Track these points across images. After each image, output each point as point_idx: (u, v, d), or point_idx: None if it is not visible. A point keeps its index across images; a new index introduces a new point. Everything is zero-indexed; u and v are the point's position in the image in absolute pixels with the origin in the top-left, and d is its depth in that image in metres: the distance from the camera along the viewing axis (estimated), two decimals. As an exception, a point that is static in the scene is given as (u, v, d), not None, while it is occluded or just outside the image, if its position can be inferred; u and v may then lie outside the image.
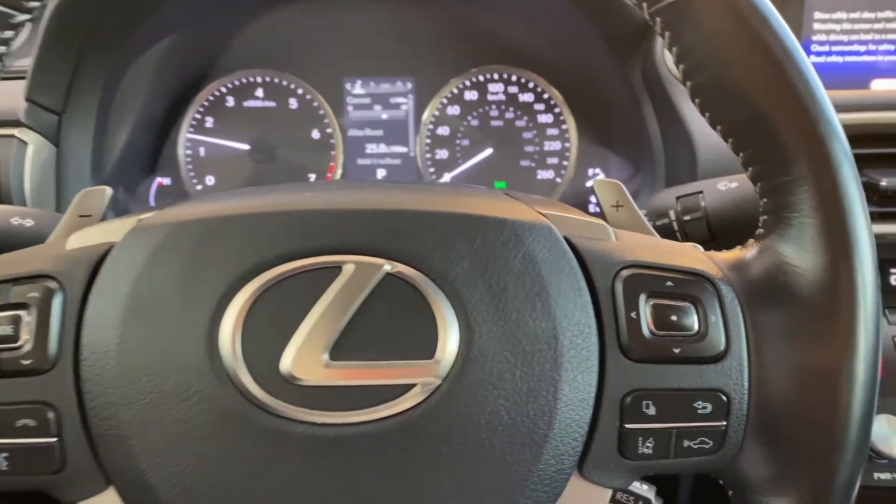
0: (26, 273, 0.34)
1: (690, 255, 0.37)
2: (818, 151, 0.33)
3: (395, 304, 0.33)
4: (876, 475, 0.61)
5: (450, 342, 0.33)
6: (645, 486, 0.47)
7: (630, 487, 0.46)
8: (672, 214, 0.55)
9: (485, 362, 0.33)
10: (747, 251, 0.37)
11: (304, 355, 0.32)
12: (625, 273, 0.35)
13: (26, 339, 0.33)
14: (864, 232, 0.33)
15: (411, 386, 0.32)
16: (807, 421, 0.34)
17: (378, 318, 0.33)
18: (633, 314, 0.34)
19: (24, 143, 0.65)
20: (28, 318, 0.33)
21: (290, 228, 0.33)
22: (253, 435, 0.32)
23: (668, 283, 0.35)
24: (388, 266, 0.33)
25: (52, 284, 0.34)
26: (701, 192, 0.54)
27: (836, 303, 0.33)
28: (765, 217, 0.36)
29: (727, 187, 0.53)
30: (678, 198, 0.55)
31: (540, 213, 0.36)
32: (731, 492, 0.38)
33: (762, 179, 0.35)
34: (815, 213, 0.33)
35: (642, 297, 0.35)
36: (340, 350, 0.32)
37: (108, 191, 0.41)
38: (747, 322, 0.35)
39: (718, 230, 0.53)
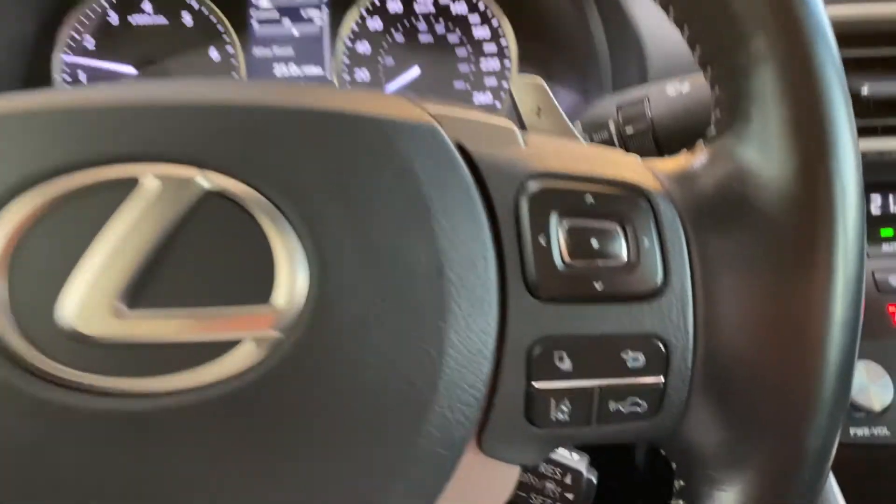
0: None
1: (619, 163, 0.32)
2: (785, 19, 0.28)
3: (216, 230, 0.27)
4: (852, 431, 0.55)
5: (293, 281, 0.26)
6: (576, 456, 0.39)
7: (557, 457, 0.38)
8: (612, 126, 0.47)
9: (343, 307, 0.27)
10: (694, 158, 0.32)
11: (89, 302, 0.25)
12: (532, 186, 0.29)
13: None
14: (844, 125, 0.28)
15: (239, 342, 0.26)
16: (771, 373, 0.29)
17: (191, 249, 0.26)
18: (541, 239, 0.29)
19: None
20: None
21: (66, 129, 0.26)
22: (23, 410, 0.25)
23: (588, 199, 0.30)
24: (203, 179, 0.26)
25: None
26: (646, 98, 0.45)
27: (810, 221, 0.28)
28: (717, 113, 0.31)
29: (677, 92, 0.45)
30: (619, 107, 0.45)
31: (426, 111, 0.30)
32: (674, 464, 0.33)
33: (713, 62, 0.30)
34: (781, 102, 0.28)
35: (554, 218, 0.29)
36: (140, 295, 0.26)
37: None
38: (693, 248, 0.30)
39: (667, 145, 0.46)
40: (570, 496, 0.39)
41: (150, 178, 0.26)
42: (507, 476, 0.31)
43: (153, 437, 0.26)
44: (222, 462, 0.26)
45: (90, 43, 0.74)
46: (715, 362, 0.30)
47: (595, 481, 0.39)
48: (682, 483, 0.33)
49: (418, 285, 0.27)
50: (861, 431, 0.56)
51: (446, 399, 0.28)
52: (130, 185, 0.26)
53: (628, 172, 0.31)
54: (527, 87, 0.37)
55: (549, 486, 0.39)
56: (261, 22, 0.76)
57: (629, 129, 0.45)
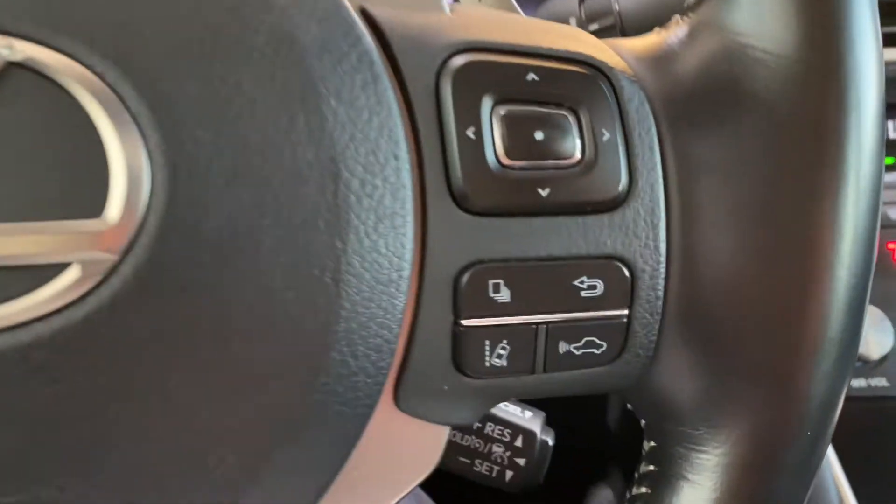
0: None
1: (572, 36, 0.26)
2: None
3: (26, 119, 0.20)
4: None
5: (132, 187, 0.20)
6: (528, 413, 0.33)
7: (504, 415, 0.32)
8: (573, 23, 0.40)
9: (201, 222, 0.20)
10: (670, 34, 0.26)
11: None
12: (458, 62, 0.23)
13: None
14: None
15: (64, 267, 0.19)
16: (766, 303, 0.24)
17: None
18: (470, 132, 0.23)
19: None
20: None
21: None
22: None
23: (531, 77, 0.24)
24: (4, 48, 0.19)
25: None
26: (614, -11, 0.38)
27: (816, 106, 0.23)
28: None
29: None
30: (581, 0, 0.38)
31: None
32: (643, 422, 0.28)
33: None
34: None
35: (486, 103, 0.23)
36: None
37: None
38: (666, 146, 0.25)
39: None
40: (520, 461, 0.32)
41: None
42: (434, 439, 0.25)
43: None
44: (46, 427, 0.20)
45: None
46: (694, 291, 0.24)
47: (551, 443, 0.32)
48: (652, 444, 0.27)
49: (306, 193, 0.21)
50: (857, 383, 0.52)
51: (348, 343, 0.21)
52: None
53: (582, 46, 0.24)
54: None
55: (497, 449, 0.32)
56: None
57: (593, 26, 0.40)
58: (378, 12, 0.23)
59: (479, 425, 0.33)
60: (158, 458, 0.21)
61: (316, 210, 0.21)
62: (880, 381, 0.52)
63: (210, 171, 0.20)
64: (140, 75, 0.20)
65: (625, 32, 0.38)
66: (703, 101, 0.24)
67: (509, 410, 0.33)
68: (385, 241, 0.22)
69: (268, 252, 0.20)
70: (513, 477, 0.33)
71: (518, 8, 0.30)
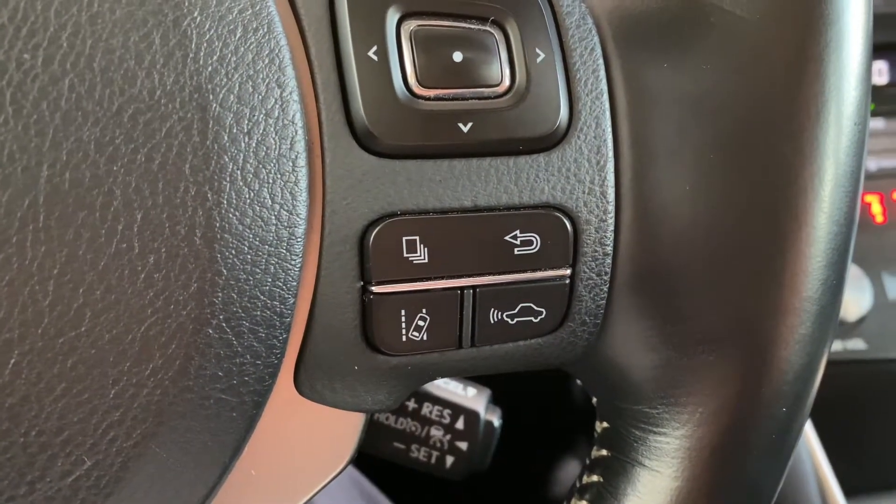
0: None
1: None
2: None
3: None
4: (822, 346, 0.46)
5: None
6: (472, 391, 0.29)
7: (444, 394, 0.28)
8: None
9: (36, 164, 0.16)
10: None
11: None
12: None
13: None
14: None
15: None
16: (734, 260, 0.20)
17: None
18: (373, 55, 0.19)
19: None
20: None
21: None
22: None
23: None
24: None
25: None
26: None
27: (795, 25, 0.19)
28: None
29: None
30: None
31: None
32: (594, 399, 0.24)
33: None
34: None
35: (392, 16, 0.20)
36: None
37: None
38: (614, 70, 0.21)
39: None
40: (462, 445, 0.28)
41: None
42: (347, 428, 0.21)
43: None
44: None
45: None
46: (649, 246, 0.21)
47: (497, 423, 0.29)
48: (605, 425, 0.23)
49: (166, 129, 0.16)
50: (832, 346, 0.48)
51: (228, 318, 0.18)
52: None
53: None
54: None
55: (436, 433, 0.29)
56: None
57: None
58: None
59: (416, 406, 0.29)
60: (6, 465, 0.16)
61: (180, 152, 0.17)
62: (857, 344, 0.49)
63: (41, 101, 0.15)
64: None
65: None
66: (662, 20, 0.20)
67: (449, 388, 0.29)
68: (270, 190, 0.18)
69: (120, 205, 0.16)
70: (454, 463, 0.29)
71: None
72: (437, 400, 0.29)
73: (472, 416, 0.28)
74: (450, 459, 0.28)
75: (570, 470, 0.56)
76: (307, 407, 0.21)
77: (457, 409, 0.28)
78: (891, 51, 0.50)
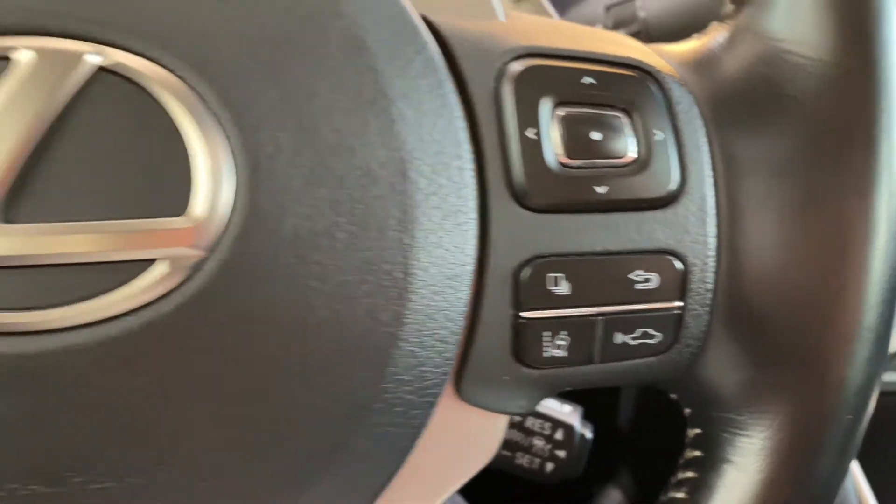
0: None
1: (620, 42, 0.26)
2: None
3: (113, 121, 0.20)
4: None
5: (215, 186, 0.21)
6: (567, 408, 0.34)
7: (545, 409, 0.33)
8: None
9: (281, 219, 0.21)
10: (710, 39, 0.27)
11: None
12: (516, 67, 0.24)
13: None
14: None
15: (150, 263, 0.20)
16: (804, 296, 0.25)
17: (83, 147, 0.20)
18: (529, 133, 0.24)
19: None
20: None
21: None
22: None
23: (587, 81, 0.25)
24: (94, 54, 0.20)
25: None
26: (638, -4, 0.39)
27: (848, 108, 0.24)
28: None
29: None
30: (608, 7, 0.39)
31: None
32: (687, 410, 0.28)
33: None
34: None
35: (546, 105, 0.24)
36: (20, 205, 0.20)
37: None
38: (714, 145, 0.25)
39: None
40: (561, 454, 0.33)
41: (25, 54, 0.20)
42: (494, 428, 0.26)
43: (45, 387, 0.20)
44: (133, 416, 0.20)
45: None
46: (739, 284, 0.25)
47: (590, 437, 0.33)
48: (697, 431, 0.28)
49: (376, 191, 0.22)
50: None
51: (416, 334, 0.22)
52: (2, 65, 0.20)
53: (632, 52, 0.25)
54: None
55: (538, 443, 0.33)
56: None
57: (620, 33, 0.39)
58: (438, 20, 0.24)
59: (520, 419, 0.34)
60: (234, 445, 0.21)
61: (387, 207, 0.22)
62: (892, 377, 0.53)
63: (289, 171, 0.21)
64: (220, 79, 0.21)
65: (650, 39, 0.39)
66: (746, 103, 0.25)
67: (548, 405, 0.34)
68: (450, 236, 0.23)
69: (343, 248, 0.21)
70: (553, 469, 0.33)
71: (553, 12, 0.31)
72: (538, 414, 0.33)
73: (568, 428, 0.33)
74: (549, 466, 0.33)
75: (619, 484, 0.59)
76: (464, 409, 0.25)
77: (556, 423, 0.33)
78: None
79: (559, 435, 0.33)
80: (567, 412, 0.33)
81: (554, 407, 0.34)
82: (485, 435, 0.26)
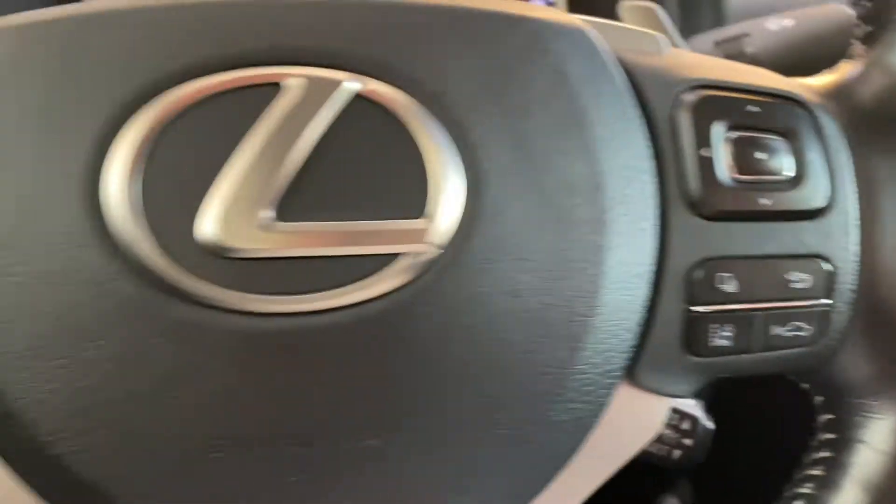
0: None
1: (770, 77, 0.31)
2: None
3: (364, 138, 0.25)
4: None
5: (448, 193, 0.25)
6: (690, 401, 0.37)
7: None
8: None
9: (502, 222, 0.25)
10: (843, 73, 0.32)
11: (234, 213, 0.24)
12: (690, 96, 0.28)
13: None
14: None
15: (394, 257, 0.24)
16: None
17: (338, 159, 0.24)
18: (704, 152, 0.28)
19: None
20: None
21: (203, 26, 0.24)
22: (161, 332, 0.24)
23: (751, 109, 0.29)
24: (354, 82, 0.24)
25: None
26: (746, 34, 0.43)
27: None
28: (865, 27, 0.30)
29: (780, 27, 0.42)
30: (717, 42, 0.43)
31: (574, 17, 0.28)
32: (819, 398, 0.33)
33: None
34: None
35: (718, 129, 0.28)
36: (286, 206, 0.24)
37: None
38: (856, 164, 0.30)
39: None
40: (688, 442, 0.37)
41: (295, 81, 0.24)
42: (659, 410, 0.29)
43: (302, 360, 0.24)
44: (376, 385, 0.24)
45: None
46: (879, 286, 0.30)
47: (711, 428, 0.37)
48: (830, 416, 0.31)
49: (576, 201, 0.26)
50: None
51: (605, 324, 0.26)
52: (272, 89, 0.24)
53: (785, 84, 0.29)
54: (637, 12, 0.35)
55: (666, 432, 0.37)
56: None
57: None
58: (623, 55, 0.28)
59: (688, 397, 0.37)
60: (462, 414, 0.25)
61: (583, 212, 0.26)
62: None
63: (506, 181, 0.25)
64: (452, 105, 0.25)
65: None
66: (882, 128, 0.30)
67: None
68: (635, 239, 0.27)
69: (547, 246, 0.25)
70: (680, 456, 0.37)
71: (684, 43, 0.35)
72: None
73: (693, 419, 0.37)
74: (677, 453, 0.36)
75: (678, 494, 0.62)
76: (636, 392, 0.29)
77: (682, 414, 0.37)
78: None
79: (685, 425, 0.36)
80: (691, 405, 0.37)
81: (677, 400, 0.37)
82: (651, 416, 0.30)
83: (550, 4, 0.74)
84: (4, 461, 0.25)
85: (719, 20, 0.54)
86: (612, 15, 0.73)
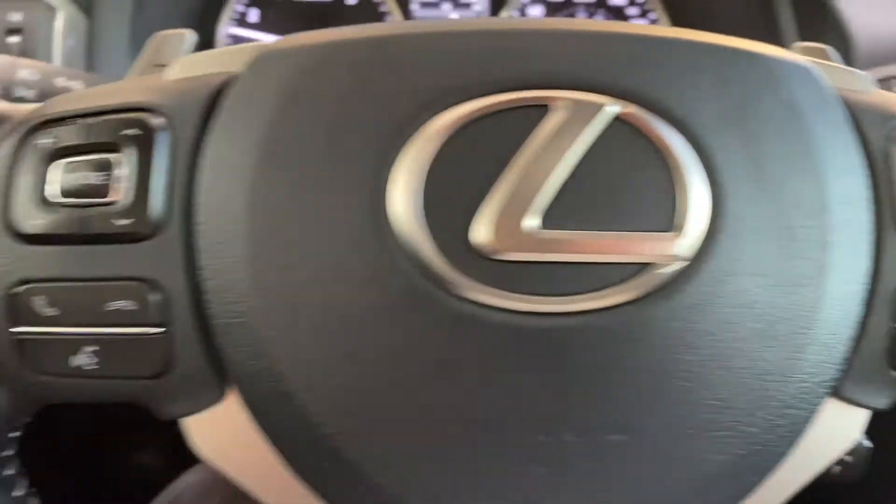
0: (118, 105, 0.27)
1: None
2: None
3: (621, 155, 0.27)
4: None
5: (696, 208, 0.26)
6: None
7: None
8: None
9: (741, 238, 0.27)
10: None
11: (506, 220, 0.26)
12: None
13: (120, 192, 0.27)
14: None
15: (645, 266, 0.26)
16: None
17: (597, 173, 0.27)
18: None
19: (52, 7, 0.54)
20: (122, 163, 0.27)
21: (481, 52, 0.27)
22: (434, 326, 0.26)
23: None
24: (615, 105, 0.27)
25: (157, 120, 0.27)
26: (894, 78, 0.45)
27: None
28: None
29: None
30: (880, 80, 0.45)
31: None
32: None
33: None
34: None
35: None
36: (551, 216, 0.26)
37: (191, 36, 0.34)
38: None
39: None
40: (848, 458, 0.38)
41: (563, 103, 0.26)
42: (858, 420, 0.30)
43: (561, 356, 0.26)
44: (622, 382, 0.26)
45: (254, 15, 0.75)
46: None
47: (870, 445, 0.39)
48: None
49: (804, 222, 0.27)
50: None
51: (823, 336, 0.27)
52: (540, 109, 0.26)
53: None
54: (811, 52, 0.37)
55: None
56: (422, 5, 0.77)
57: None
58: (841, 91, 0.29)
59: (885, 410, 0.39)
60: (688, 418, 0.27)
61: (809, 232, 0.27)
62: None
63: (745, 203, 0.27)
64: (704, 130, 0.27)
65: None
66: None
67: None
68: (853, 260, 0.28)
69: (776, 260, 0.27)
70: (840, 471, 0.39)
71: None
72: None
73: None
74: (837, 468, 0.38)
75: None
76: (837, 403, 0.29)
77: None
78: None
79: (847, 443, 0.38)
80: (851, 423, 0.38)
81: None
82: (850, 426, 0.31)
83: (653, 22, 0.77)
84: (274, 444, 0.27)
85: (849, 64, 0.56)
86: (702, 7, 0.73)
